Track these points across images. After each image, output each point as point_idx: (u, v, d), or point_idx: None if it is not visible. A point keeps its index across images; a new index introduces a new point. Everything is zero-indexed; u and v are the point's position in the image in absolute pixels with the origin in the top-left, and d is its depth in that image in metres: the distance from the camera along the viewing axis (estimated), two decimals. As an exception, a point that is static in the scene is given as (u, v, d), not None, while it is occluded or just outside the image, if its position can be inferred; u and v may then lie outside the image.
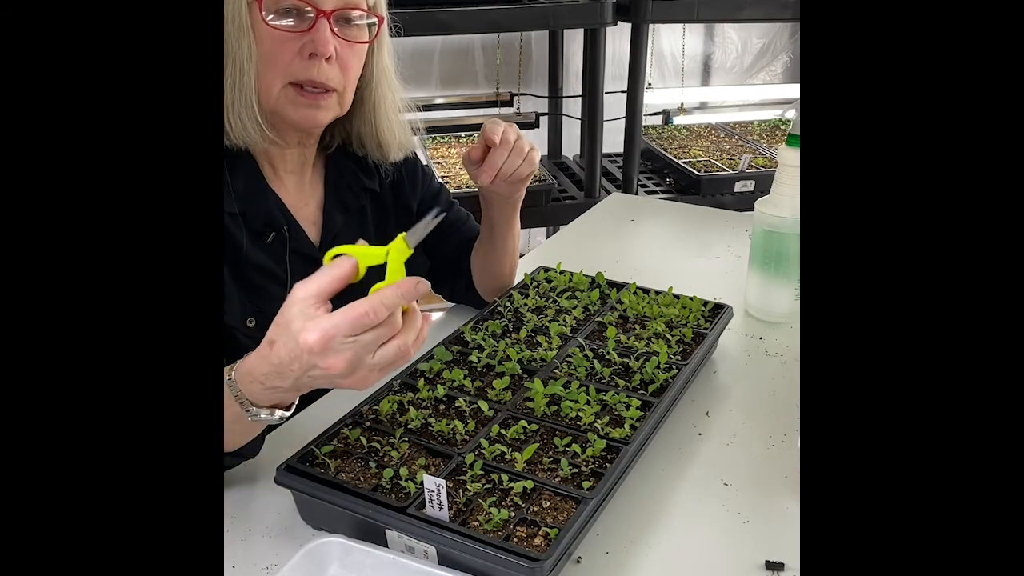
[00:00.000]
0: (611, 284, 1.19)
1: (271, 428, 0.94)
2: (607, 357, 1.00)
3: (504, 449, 0.82)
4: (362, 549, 0.74)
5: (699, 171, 2.33)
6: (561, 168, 2.69)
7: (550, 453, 0.84)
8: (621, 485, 0.84)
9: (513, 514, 0.75)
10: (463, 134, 2.67)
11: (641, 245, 1.57)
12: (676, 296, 1.15)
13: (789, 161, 1.15)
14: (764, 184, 2.26)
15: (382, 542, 0.76)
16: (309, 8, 0.91)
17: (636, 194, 2.34)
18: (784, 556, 0.77)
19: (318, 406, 1.02)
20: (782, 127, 2.81)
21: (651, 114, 2.96)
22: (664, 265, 1.44)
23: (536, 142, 2.90)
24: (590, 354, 1.00)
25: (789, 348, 1.16)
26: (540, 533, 0.73)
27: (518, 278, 1.23)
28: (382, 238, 1.13)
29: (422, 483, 0.74)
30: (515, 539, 0.72)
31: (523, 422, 0.87)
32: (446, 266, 1.24)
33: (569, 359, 1.00)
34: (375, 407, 0.91)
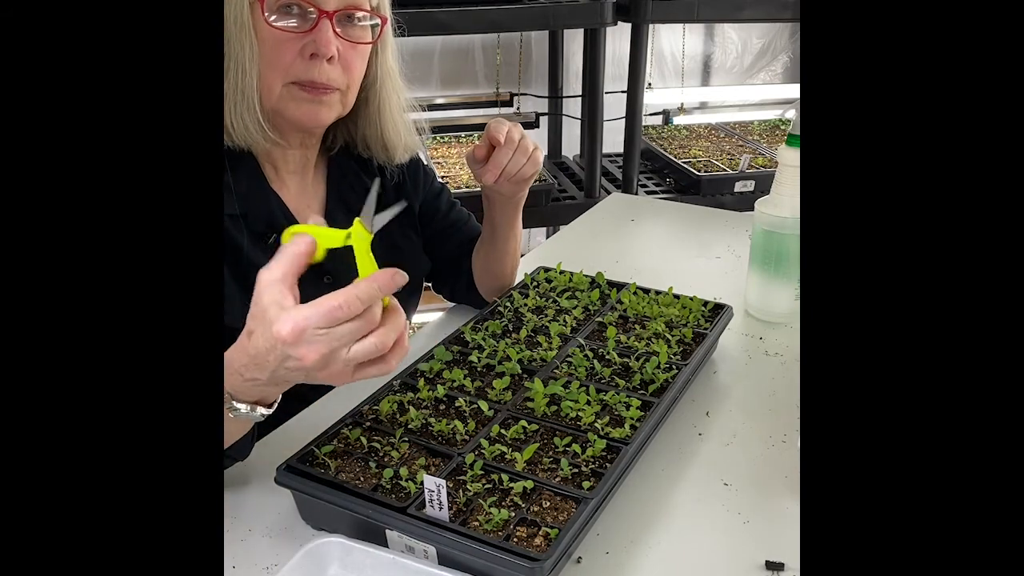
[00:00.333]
0: (611, 284, 1.19)
1: (261, 433, 0.94)
2: (607, 357, 1.00)
3: (504, 449, 0.82)
4: (362, 549, 0.74)
5: (699, 171, 2.33)
6: (561, 168, 2.69)
7: (550, 453, 0.84)
8: (621, 485, 0.84)
9: (513, 514, 0.75)
10: (463, 134, 2.67)
11: (641, 245, 1.57)
12: (676, 296, 1.15)
13: (789, 161, 1.15)
14: (764, 184, 2.26)
15: (382, 542, 0.76)
16: (311, 8, 0.91)
17: (636, 194, 2.34)
18: (784, 556, 0.77)
19: (318, 406, 1.02)
20: (782, 127, 2.81)
21: (651, 114, 2.96)
22: (664, 265, 1.44)
23: (536, 142, 2.88)
24: (590, 354, 1.00)
25: (789, 348, 1.16)
26: (540, 533, 0.73)
27: (518, 278, 1.23)
28: (383, 243, 1.13)
29: (422, 483, 0.74)
30: (515, 539, 0.72)
31: (523, 422, 0.87)
32: (447, 266, 1.24)
33: (569, 359, 1.00)
34: (375, 407, 0.91)
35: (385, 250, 1.13)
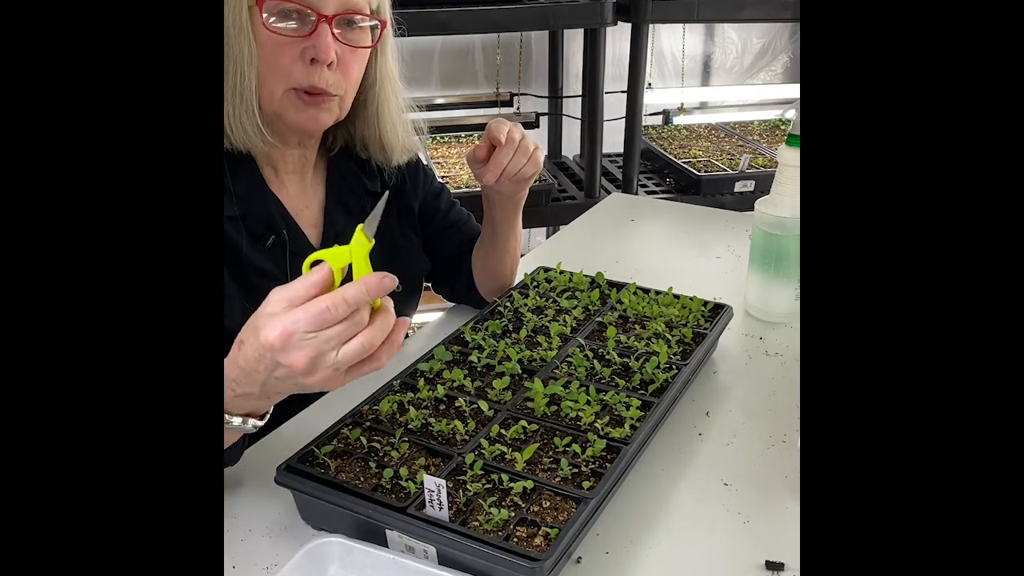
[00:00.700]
0: (611, 284, 1.19)
1: (262, 433, 0.94)
2: (607, 357, 1.00)
3: (504, 449, 0.82)
4: (362, 549, 0.74)
5: (699, 171, 2.33)
6: (561, 168, 2.69)
7: (550, 453, 0.84)
8: (621, 485, 0.83)
9: (513, 514, 0.75)
10: (463, 134, 2.67)
11: (641, 245, 1.57)
12: (676, 296, 1.15)
13: (789, 161, 1.15)
14: (764, 184, 2.26)
15: (382, 542, 0.76)
16: (310, 12, 0.91)
17: (636, 194, 2.34)
18: (784, 556, 0.77)
19: (318, 406, 1.02)
20: (782, 127, 2.81)
21: (651, 114, 2.96)
22: (664, 265, 1.44)
23: (536, 142, 2.87)
24: (590, 354, 1.00)
25: (789, 348, 1.16)
26: (540, 533, 0.73)
27: (518, 278, 1.23)
28: (383, 240, 1.13)
29: (422, 483, 0.74)
30: (515, 539, 0.72)
31: (523, 422, 0.87)
32: (447, 266, 1.24)
33: (569, 359, 1.00)
34: (375, 407, 0.91)
35: (385, 249, 1.13)
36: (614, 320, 1.09)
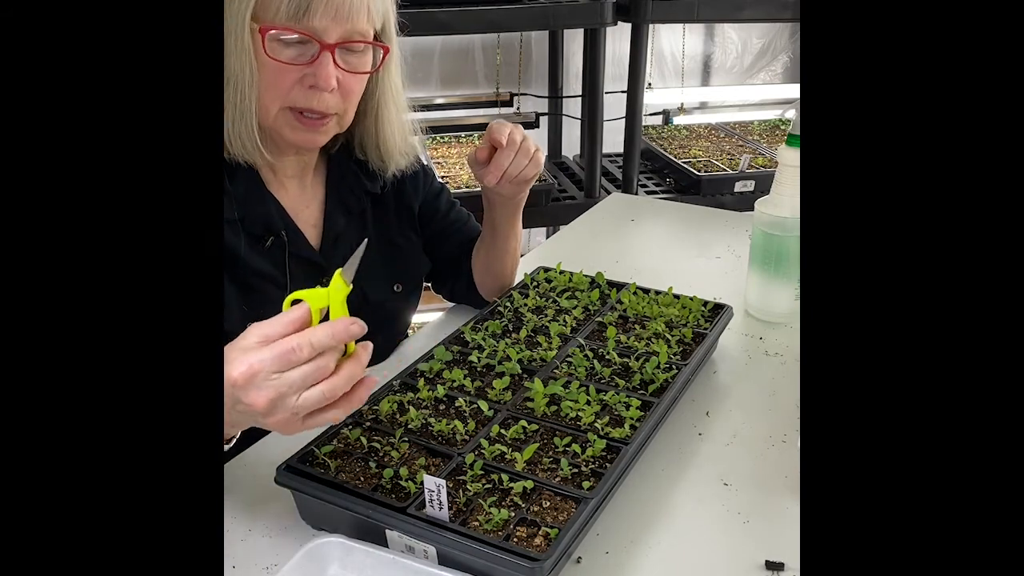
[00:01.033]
0: (611, 284, 1.19)
1: (262, 433, 0.94)
2: (607, 357, 1.00)
3: (504, 449, 0.82)
4: (362, 549, 0.74)
5: (699, 171, 2.33)
6: (561, 168, 2.69)
7: (550, 453, 0.84)
8: (621, 485, 0.83)
9: (513, 514, 0.75)
10: (463, 134, 2.67)
11: (641, 245, 1.57)
12: (676, 296, 1.15)
13: (789, 161, 1.15)
14: (764, 184, 2.25)
15: (382, 542, 0.76)
16: (313, 40, 0.90)
17: (636, 194, 2.34)
18: (784, 556, 0.77)
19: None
20: (782, 127, 2.81)
21: (651, 114, 2.96)
22: (664, 265, 1.44)
23: (536, 142, 2.87)
24: (590, 354, 1.00)
25: (789, 348, 1.16)
26: (540, 533, 0.73)
27: (518, 278, 1.23)
28: (382, 241, 1.13)
29: (422, 483, 0.74)
30: (515, 539, 0.72)
31: (523, 422, 0.87)
32: (447, 266, 1.24)
33: (569, 359, 1.00)
34: (375, 407, 0.91)
35: (385, 249, 1.13)
36: (614, 320, 1.09)
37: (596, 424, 0.87)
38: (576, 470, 0.81)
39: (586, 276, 1.20)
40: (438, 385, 0.93)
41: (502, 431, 0.87)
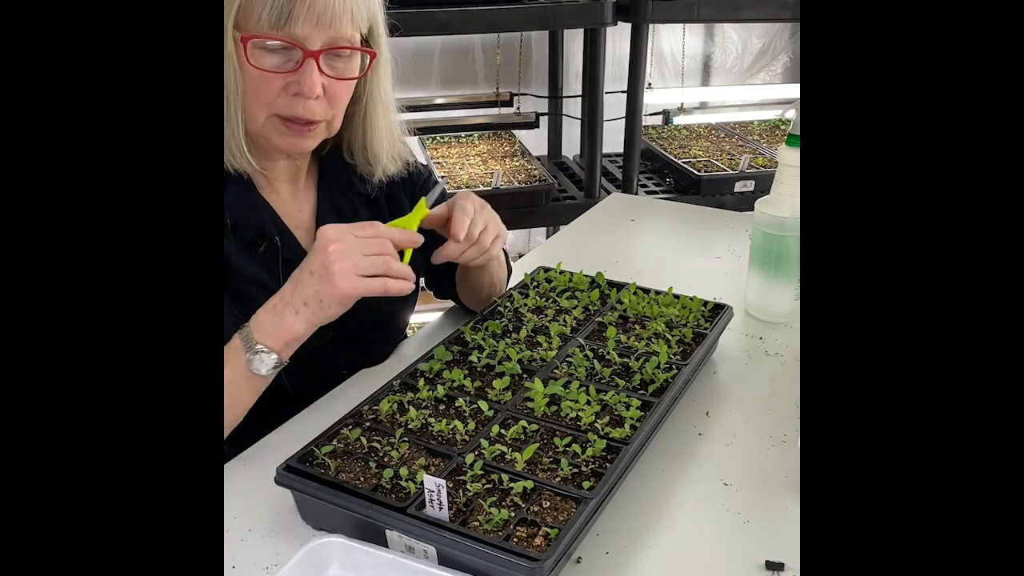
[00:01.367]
0: (611, 284, 1.19)
1: (261, 433, 0.94)
2: (607, 357, 1.00)
3: (504, 449, 0.82)
4: (362, 549, 0.74)
5: (699, 171, 2.33)
6: (561, 168, 2.69)
7: (550, 453, 0.84)
8: (621, 485, 0.83)
9: (513, 514, 0.75)
10: (463, 134, 2.67)
11: (641, 245, 1.57)
12: (676, 296, 1.15)
13: (789, 161, 1.15)
14: (764, 184, 2.26)
15: (382, 542, 0.76)
16: (296, 48, 0.89)
17: (636, 194, 2.34)
18: (784, 556, 0.77)
19: (318, 406, 1.02)
20: (782, 127, 2.81)
21: (651, 114, 2.96)
22: (664, 265, 1.44)
23: (536, 142, 2.87)
24: (590, 354, 1.00)
25: (789, 348, 1.16)
26: (540, 533, 0.73)
27: (518, 278, 1.23)
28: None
29: (422, 483, 0.74)
30: (515, 539, 0.72)
31: (523, 422, 0.87)
32: (441, 268, 1.23)
33: (569, 359, 0.99)
34: (375, 407, 0.91)
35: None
36: (614, 320, 1.09)
37: (596, 424, 0.87)
38: (576, 470, 0.81)
39: (586, 276, 1.20)
40: (438, 385, 0.93)
41: (502, 431, 0.87)
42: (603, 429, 0.86)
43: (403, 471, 0.80)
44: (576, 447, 0.83)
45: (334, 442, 0.85)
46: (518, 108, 2.76)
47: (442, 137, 2.65)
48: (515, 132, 2.72)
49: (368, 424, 0.88)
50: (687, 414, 1.00)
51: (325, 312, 0.88)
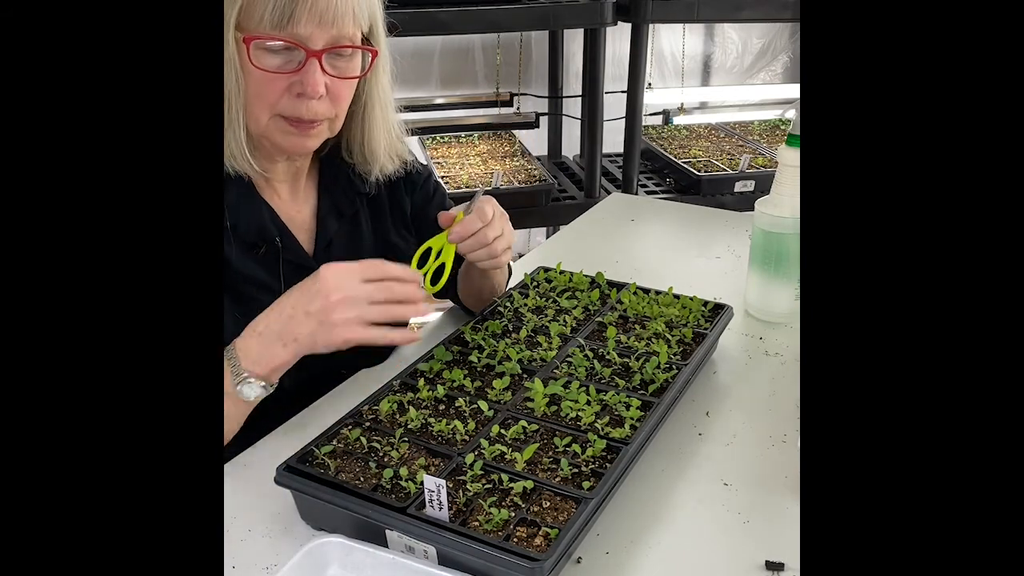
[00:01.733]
0: (611, 284, 1.19)
1: (262, 433, 0.94)
2: (607, 357, 1.00)
3: (504, 449, 0.82)
4: (362, 549, 0.74)
5: (699, 171, 2.33)
6: (561, 168, 2.69)
7: (550, 453, 0.84)
8: (621, 485, 0.83)
9: (513, 514, 0.75)
10: (463, 134, 2.67)
11: (641, 245, 1.57)
12: (676, 296, 1.15)
13: (789, 161, 1.15)
14: (764, 184, 2.26)
15: (382, 542, 0.76)
16: (298, 48, 0.89)
17: (636, 194, 2.34)
18: (784, 556, 0.77)
19: (318, 406, 1.02)
20: (782, 127, 2.81)
21: (651, 114, 2.96)
22: (664, 265, 1.44)
23: (536, 142, 2.87)
24: (590, 354, 1.00)
25: (789, 348, 1.16)
26: (540, 533, 0.73)
27: (518, 278, 1.23)
28: (378, 242, 1.13)
29: (422, 483, 0.74)
30: (515, 539, 0.72)
31: (523, 422, 0.87)
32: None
33: (569, 359, 0.99)
34: (375, 407, 0.91)
35: (381, 249, 1.13)
36: (614, 320, 1.09)
37: (596, 424, 0.87)
38: (576, 470, 0.81)
39: (586, 276, 1.20)
40: (438, 385, 0.93)
41: (502, 431, 0.87)
42: (603, 429, 0.86)
43: (403, 471, 0.80)
44: (576, 447, 0.83)
45: (334, 442, 0.85)
46: (518, 108, 2.76)
47: (442, 137, 2.65)
48: (515, 132, 2.72)
49: (368, 424, 0.88)
50: (687, 414, 1.00)
51: (315, 349, 0.88)
